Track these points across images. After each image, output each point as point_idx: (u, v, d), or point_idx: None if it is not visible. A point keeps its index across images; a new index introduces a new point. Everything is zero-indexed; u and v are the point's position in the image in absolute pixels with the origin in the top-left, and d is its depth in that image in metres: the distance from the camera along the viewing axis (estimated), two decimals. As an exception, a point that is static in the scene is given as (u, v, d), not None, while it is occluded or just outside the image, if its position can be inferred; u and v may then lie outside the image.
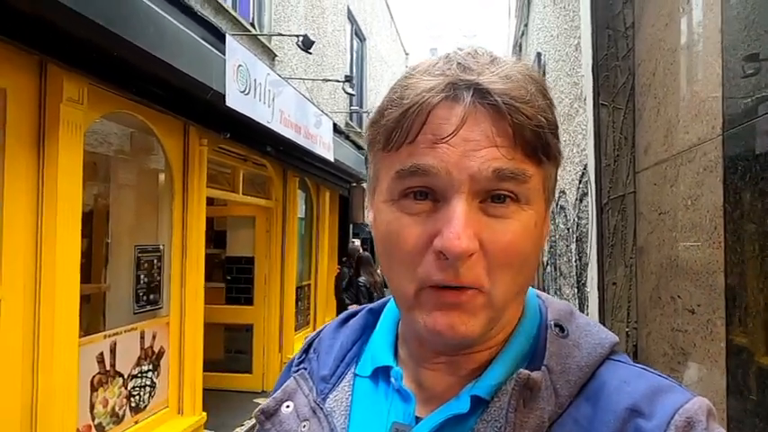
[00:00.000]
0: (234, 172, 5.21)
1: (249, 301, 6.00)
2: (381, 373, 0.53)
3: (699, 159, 1.17)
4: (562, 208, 2.53)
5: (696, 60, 1.21)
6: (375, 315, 0.60)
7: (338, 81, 7.10)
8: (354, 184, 8.89)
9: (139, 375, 3.56)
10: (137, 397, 3.53)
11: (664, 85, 1.42)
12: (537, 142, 0.44)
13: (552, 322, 0.50)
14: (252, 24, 5.83)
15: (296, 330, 6.55)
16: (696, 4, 1.21)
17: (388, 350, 0.54)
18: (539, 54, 3.17)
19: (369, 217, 0.52)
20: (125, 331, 3.42)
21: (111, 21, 2.65)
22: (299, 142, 5.19)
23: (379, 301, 0.62)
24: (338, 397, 0.54)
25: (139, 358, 3.56)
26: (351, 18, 10.38)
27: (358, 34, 11.15)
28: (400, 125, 0.45)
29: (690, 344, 1.23)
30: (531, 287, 0.54)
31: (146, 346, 3.63)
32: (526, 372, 0.45)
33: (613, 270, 1.67)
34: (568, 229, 2.35)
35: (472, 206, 0.43)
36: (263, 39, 5.70)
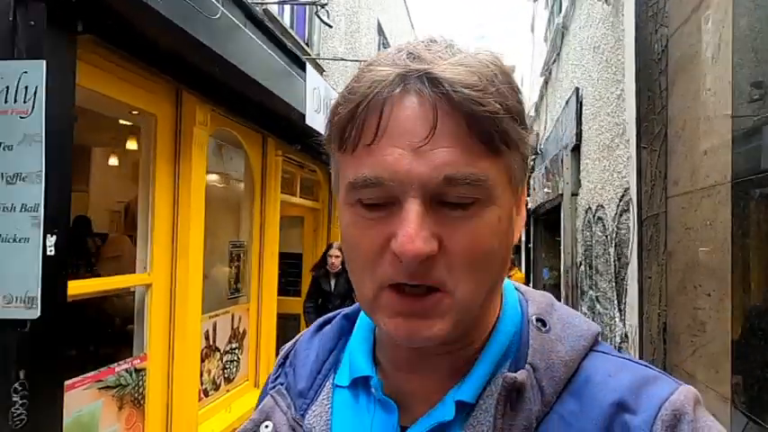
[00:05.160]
0: (293, 177, 5.85)
1: (297, 293, 6.64)
2: (361, 383, 0.51)
3: (715, 195, 1.79)
4: (600, 218, 3.14)
5: (715, 127, 1.82)
6: (350, 320, 0.58)
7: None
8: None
9: (230, 351, 4.20)
10: (228, 370, 4.17)
11: (690, 140, 2.03)
12: (492, 131, 0.42)
13: (534, 317, 0.50)
14: (306, 43, 6.47)
15: (335, 321, 7.17)
16: (713, 93, 1.82)
17: (366, 358, 0.52)
18: (577, 89, 3.78)
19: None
20: (222, 314, 4.07)
21: (232, 56, 3.25)
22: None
23: (354, 306, 0.59)
24: (317, 411, 0.52)
25: (230, 337, 4.21)
26: (380, 31, 11.03)
27: (384, 45, 11.79)
28: (350, 124, 0.43)
29: (707, 317, 1.85)
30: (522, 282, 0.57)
31: (234, 327, 4.28)
32: (512, 375, 0.44)
33: (649, 267, 2.29)
34: (606, 237, 2.96)
35: (428, 206, 0.42)
36: (312, 55, 6.33)
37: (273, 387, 0.56)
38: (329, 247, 5.47)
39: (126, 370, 2.90)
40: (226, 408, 3.99)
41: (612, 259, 2.80)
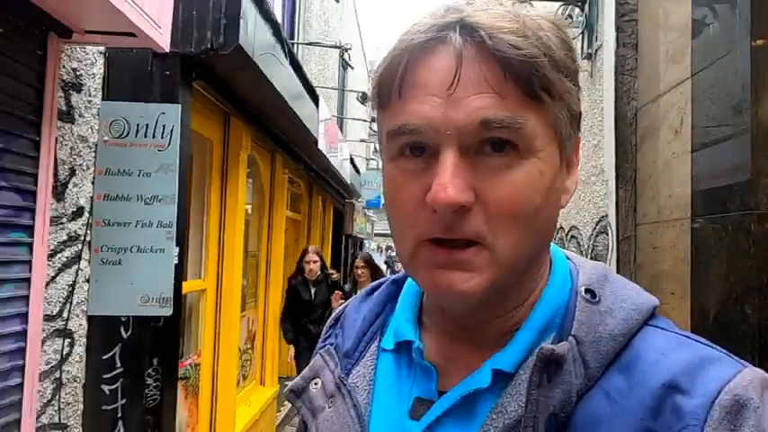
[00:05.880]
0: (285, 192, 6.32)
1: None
2: (405, 347, 0.52)
3: (679, 226, 2.63)
4: (574, 237, 3.99)
5: (677, 180, 2.66)
6: (399, 285, 0.59)
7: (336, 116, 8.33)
8: (348, 200, 10.10)
9: (245, 351, 4.62)
10: (244, 368, 4.59)
11: (656, 186, 2.88)
12: (532, 78, 0.41)
13: (583, 288, 0.48)
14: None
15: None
16: (676, 156, 2.67)
17: (410, 322, 0.53)
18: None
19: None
20: (242, 317, 4.48)
21: (275, 83, 3.74)
22: (336, 167, 6.41)
23: (403, 272, 0.58)
24: (361, 372, 0.54)
25: (246, 338, 4.63)
26: (341, 54, 11.69)
27: (344, 64, 12.44)
28: (389, 78, 0.44)
29: (671, 310, 2.68)
30: (559, 251, 0.53)
31: (249, 330, 4.70)
32: (549, 346, 0.43)
33: (623, 276, 3.11)
34: (582, 252, 3.80)
35: (465, 158, 0.42)
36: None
37: (323, 347, 0.58)
38: (304, 252, 5.03)
39: (190, 364, 3.31)
40: (246, 402, 4.41)
41: (588, 269, 3.66)
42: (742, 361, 0.43)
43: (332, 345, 0.57)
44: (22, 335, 1.85)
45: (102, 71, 2.44)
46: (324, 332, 0.62)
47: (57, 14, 1.86)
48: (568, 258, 0.53)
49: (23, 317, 1.85)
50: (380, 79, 0.46)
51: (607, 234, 3.30)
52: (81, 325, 2.34)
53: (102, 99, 2.46)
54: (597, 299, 0.47)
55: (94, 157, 2.41)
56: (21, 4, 1.74)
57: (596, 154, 3.57)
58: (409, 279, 0.56)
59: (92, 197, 2.39)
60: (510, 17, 0.42)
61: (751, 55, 2.04)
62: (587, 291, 0.48)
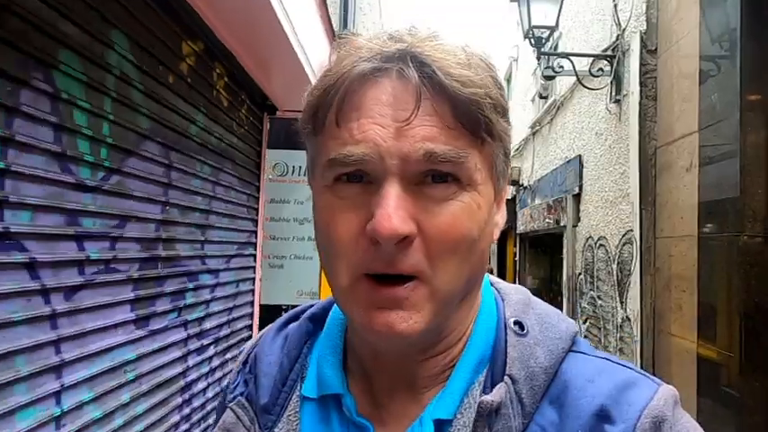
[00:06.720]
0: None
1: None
2: (332, 399, 0.49)
3: (688, 239, 3.52)
4: (602, 245, 4.86)
5: (688, 205, 3.55)
6: (316, 322, 0.55)
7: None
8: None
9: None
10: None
11: (671, 209, 3.78)
12: (477, 116, 0.42)
13: (511, 320, 0.49)
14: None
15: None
16: (686, 188, 3.56)
17: (336, 370, 0.50)
18: (580, 156, 5.55)
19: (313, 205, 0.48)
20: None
21: None
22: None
23: (318, 304, 0.56)
24: (285, 429, 0.49)
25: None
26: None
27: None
28: (330, 104, 0.43)
29: (683, 303, 3.57)
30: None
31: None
32: (488, 399, 0.43)
33: (645, 277, 4.01)
34: (609, 257, 4.68)
35: (408, 189, 0.42)
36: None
37: (233, 399, 0.53)
38: None
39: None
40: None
41: (615, 272, 4.53)
42: (656, 380, 0.47)
43: (242, 395, 0.53)
44: (251, 315, 2.78)
45: (267, 128, 3.37)
46: (232, 379, 0.56)
47: (274, 100, 2.79)
48: (492, 285, 0.54)
49: (251, 304, 2.79)
50: (316, 103, 0.45)
51: (632, 244, 4.19)
52: (256, 311, 3.27)
53: (267, 148, 3.40)
54: (525, 331, 0.48)
55: (263, 190, 3.34)
56: (255, 94, 2.67)
57: (622, 180, 4.47)
58: (330, 318, 0.54)
59: (262, 219, 3.32)
60: (456, 55, 0.43)
61: (740, 114, 2.93)
62: (516, 323, 0.49)
